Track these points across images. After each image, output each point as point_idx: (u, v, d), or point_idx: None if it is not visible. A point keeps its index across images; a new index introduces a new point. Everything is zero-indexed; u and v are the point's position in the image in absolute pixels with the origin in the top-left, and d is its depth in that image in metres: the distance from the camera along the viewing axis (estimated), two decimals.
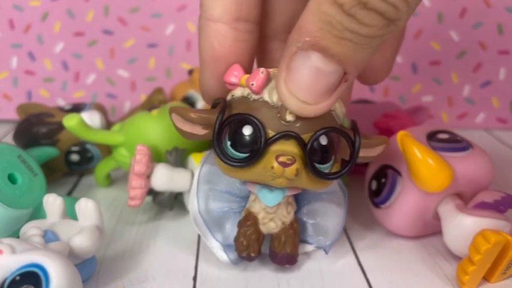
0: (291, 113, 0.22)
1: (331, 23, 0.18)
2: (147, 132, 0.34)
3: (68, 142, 0.37)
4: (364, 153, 0.24)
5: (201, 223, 0.27)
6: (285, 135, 0.22)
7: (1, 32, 0.49)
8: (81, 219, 0.26)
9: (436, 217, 0.29)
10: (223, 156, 0.23)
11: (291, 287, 0.27)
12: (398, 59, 0.49)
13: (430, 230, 0.30)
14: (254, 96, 0.23)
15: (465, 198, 0.29)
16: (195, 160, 0.32)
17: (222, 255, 0.27)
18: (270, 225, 0.26)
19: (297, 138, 0.22)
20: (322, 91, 0.21)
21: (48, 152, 0.36)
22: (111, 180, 0.38)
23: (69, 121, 0.33)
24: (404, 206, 0.29)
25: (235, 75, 0.24)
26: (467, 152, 0.29)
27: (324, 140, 0.23)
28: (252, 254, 0.26)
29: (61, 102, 0.51)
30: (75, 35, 0.49)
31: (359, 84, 0.29)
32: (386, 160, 0.30)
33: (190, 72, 0.44)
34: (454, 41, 0.49)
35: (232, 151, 0.23)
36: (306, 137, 0.22)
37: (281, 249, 0.26)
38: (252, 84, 0.22)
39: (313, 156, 0.22)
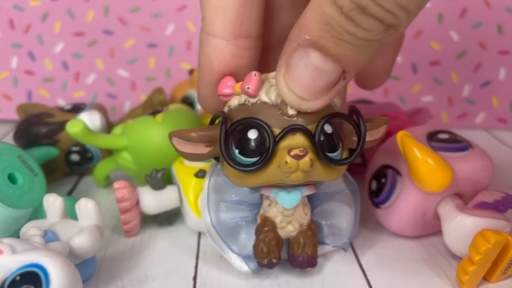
0: (291, 107, 0.22)
1: (331, 24, 0.19)
2: (152, 138, 0.34)
3: (68, 142, 0.37)
4: (368, 137, 0.24)
5: (215, 236, 0.26)
6: (291, 130, 0.22)
7: (1, 32, 0.49)
8: (81, 219, 0.26)
9: (436, 217, 0.29)
10: (235, 163, 0.22)
11: (291, 287, 0.27)
12: (399, 58, 0.49)
13: (430, 230, 0.30)
14: (252, 100, 0.23)
15: (465, 198, 0.29)
16: (177, 170, 0.32)
17: (242, 266, 0.27)
18: (288, 228, 0.26)
19: (304, 130, 0.22)
20: (320, 88, 0.21)
21: (48, 152, 0.36)
22: (110, 181, 0.38)
23: (73, 128, 0.33)
24: (404, 206, 0.29)
25: (228, 85, 0.24)
26: (467, 152, 0.29)
27: (328, 129, 0.23)
28: (274, 260, 0.26)
29: (61, 102, 0.51)
30: (75, 35, 0.49)
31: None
32: (386, 160, 0.30)
33: (191, 72, 0.44)
34: (454, 41, 0.49)
35: (242, 158, 0.23)
36: (311, 128, 0.22)
37: (301, 252, 0.26)
38: (248, 88, 0.22)
39: (323, 146, 0.22)
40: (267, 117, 0.22)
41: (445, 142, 0.29)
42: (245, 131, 0.23)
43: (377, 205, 0.30)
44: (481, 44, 0.49)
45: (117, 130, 0.36)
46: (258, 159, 0.22)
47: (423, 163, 0.27)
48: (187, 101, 0.43)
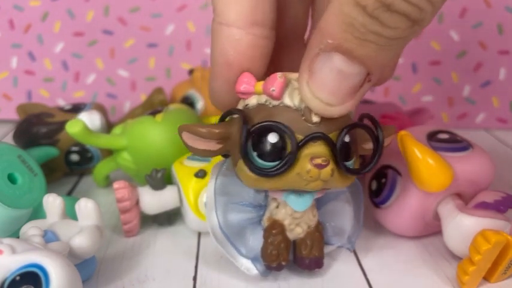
0: (316, 114, 0.22)
1: (354, 25, 0.18)
2: (152, 138, 0.34)
3: (68, 142, 0.37)
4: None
5: (222, 239, 0.26)
6: (313, 137, 0.22)
7: (1, 32, 0.49)
8: (81, 219, 0.26)
9: (436, 217, 0.29)
10: (255, 167, 0.22)
11: (291, 287, 0.27)
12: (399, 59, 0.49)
13: (430, 230, 0.30)
14: (274, 102, 0.22)
15: (465, 198, 0.29)
16: (177, 170, 0.32)
17: (251, 269, 0.26)
18: (296, 230, 0.26)
19: (326, 139, 0.22)
20: (346, 92, 0.20)
21: (48, 152, 0.36)
22: (110, 181, 0.38)
23: (72, 128, 0.33)
24: (404, 206, 0.29)
25: (247, 82, 0.23)
26: (467, 152, 0.29)
27: (347, 138, 0.22)
28: (283, 263, 0.26)
29: (61, 102, 0.51)
30: (75, 35, 0.49)
31: None
32: (386, 160, 0.30)
33: (191, 72, 0.44)
34: (454, 41, 0.49)
35: (260, 161, 0.22)
36: (331, 136, 0.22)
37: (309, 254, 0.26)
38: (273, 90, 0.22)
39: (341, 155, 0.22)
40: (288, 122, 0.22)
41: (445, 142, 0.29)
42: (265, 133, 0.22)
43: (377, 205, 0.30)
44: (481, 44, 0.49)
45: (117, 130, 0.36)
46: (279, 165, 0.22)
47: (423, 163, 0.27)
48: (187, 101, 0.43)
